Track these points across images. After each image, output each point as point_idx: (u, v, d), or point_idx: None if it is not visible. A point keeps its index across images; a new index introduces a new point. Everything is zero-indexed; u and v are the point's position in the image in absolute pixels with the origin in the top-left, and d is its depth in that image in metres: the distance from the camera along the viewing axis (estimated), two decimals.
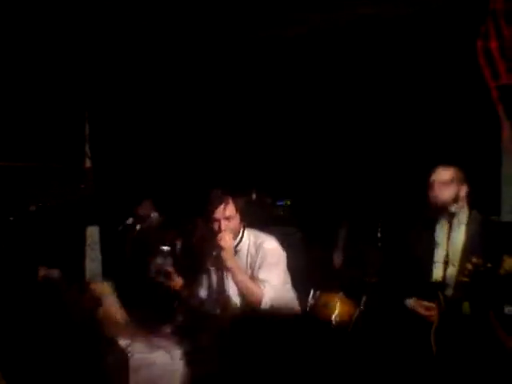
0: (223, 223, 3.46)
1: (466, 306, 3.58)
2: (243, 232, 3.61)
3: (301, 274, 4.00)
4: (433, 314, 3.57)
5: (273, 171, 5.26)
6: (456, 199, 3.62)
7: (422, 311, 3.60)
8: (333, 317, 3.92)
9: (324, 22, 4.95)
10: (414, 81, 4.95)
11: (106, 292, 3.03)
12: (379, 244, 4.42)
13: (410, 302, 3.69)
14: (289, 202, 5.14)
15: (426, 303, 3.59)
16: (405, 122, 5.03)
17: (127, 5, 4.53)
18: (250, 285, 3.45)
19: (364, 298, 4.00)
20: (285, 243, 3.66)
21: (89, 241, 4.57)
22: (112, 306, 3.00)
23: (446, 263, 3.57)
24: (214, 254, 3.55)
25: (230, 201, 3.48)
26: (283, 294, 3.57)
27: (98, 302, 2.80)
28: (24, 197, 4.97)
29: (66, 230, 4.66)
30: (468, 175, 3.74)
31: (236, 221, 3.51)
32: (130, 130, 5.86)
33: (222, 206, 3.46)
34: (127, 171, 5.63)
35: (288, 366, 1.43)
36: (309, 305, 3.93)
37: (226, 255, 3.43)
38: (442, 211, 3.59)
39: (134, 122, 5.84)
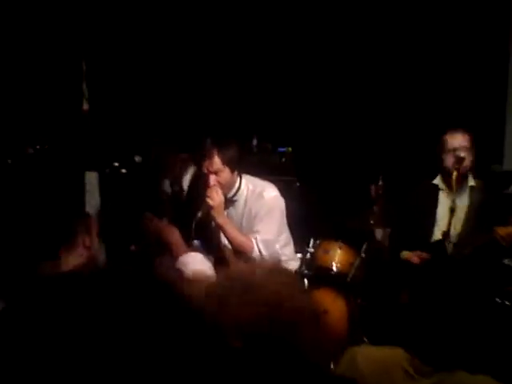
0: (211, 178, 3.38)
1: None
2: (240, 182, 3.54)
3: (299, 225, 3.99)
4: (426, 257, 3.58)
5: (275, 116, 5.17)
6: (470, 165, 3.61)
7: (415, 260, 3.63)
8: (333, 264, 3.91)
9: None
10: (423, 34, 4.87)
11: None
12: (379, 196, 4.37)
13: (404, 254, 3.73)
14: (290, 149, 5.06)
15: (419, 253, 3.62)
16: (411, 72, 4.96)
17: None
18: (241, 239, 3.42)
19: (365, 246, 3.98)
20: (283, 193, 3.63)
21: (88, 187, 4.53)
22: None
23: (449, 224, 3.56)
24: (200, 214, 3.49)
25: (215, 154, 3.35)
26: (275, 247, 3.54)
27: None
28: (21, 139, 4.91)
29: (64, 175, 4.62)
30: (471, 125, 3.73)
31: (226, 174, 3.41)
32: (129, 70, 5.75)
33: (208, 161, 3.38)
34: (126, 114, 5.55)
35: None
36: (308, 253, 3.91)
37: (215, 213, 3.38)
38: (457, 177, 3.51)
39: (132, 63, 5.72)
